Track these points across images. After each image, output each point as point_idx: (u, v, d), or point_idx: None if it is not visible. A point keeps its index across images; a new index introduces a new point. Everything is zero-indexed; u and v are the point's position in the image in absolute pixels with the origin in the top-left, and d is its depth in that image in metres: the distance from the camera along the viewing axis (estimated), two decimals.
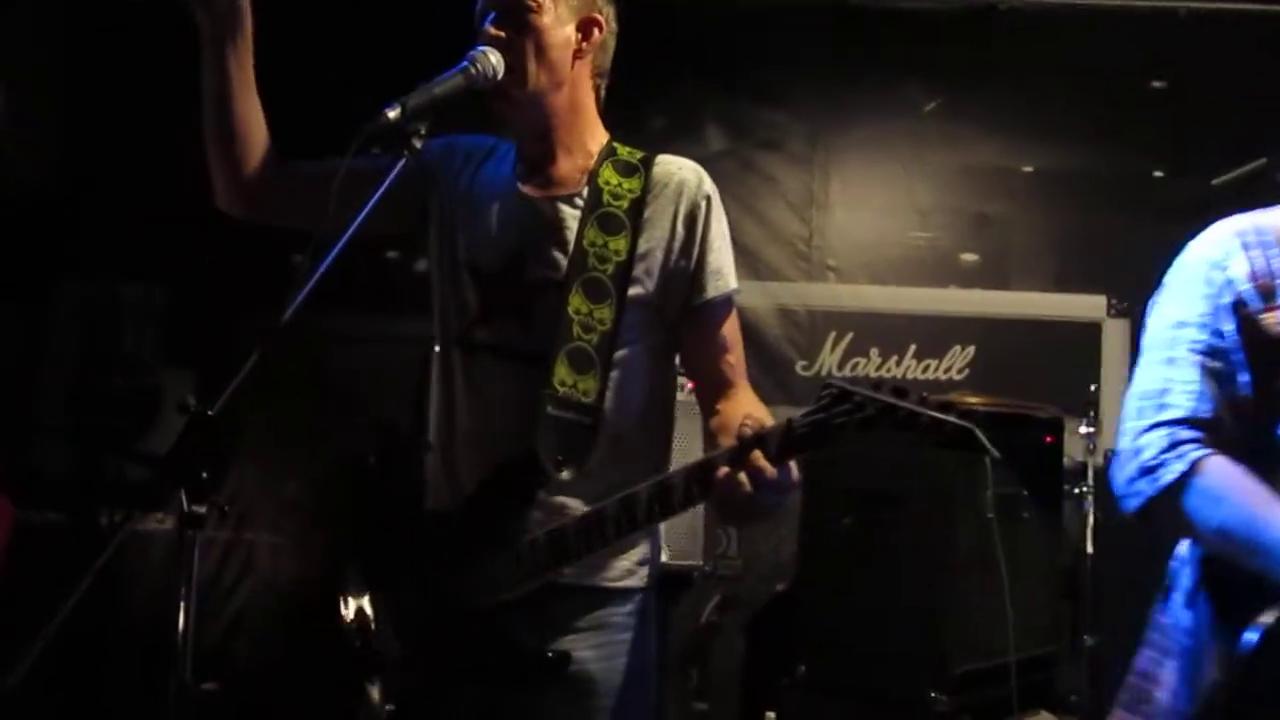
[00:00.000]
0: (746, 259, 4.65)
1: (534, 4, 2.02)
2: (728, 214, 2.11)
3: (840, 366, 4.69)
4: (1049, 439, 3.89)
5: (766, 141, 4.71)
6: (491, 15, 2.03)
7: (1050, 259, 4.79)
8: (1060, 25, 4.71)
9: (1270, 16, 4.73)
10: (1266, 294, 1.95)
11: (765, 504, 1.76)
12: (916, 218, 4.79)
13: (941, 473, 3.40)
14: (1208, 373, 1.96)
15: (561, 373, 1.99)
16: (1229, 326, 1.96)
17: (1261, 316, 1.94)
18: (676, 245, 2.06)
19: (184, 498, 1.58)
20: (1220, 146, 4.62)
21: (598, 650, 2.00)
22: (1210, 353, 1.97)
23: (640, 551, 2.08)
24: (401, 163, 1.86)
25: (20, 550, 3.10)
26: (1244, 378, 1.96)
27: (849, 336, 4.72)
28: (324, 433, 4.15)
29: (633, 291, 2.04)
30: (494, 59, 1.98)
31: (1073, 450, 4.04)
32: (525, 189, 2.11)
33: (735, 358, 2.12)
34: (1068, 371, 4.47)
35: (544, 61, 2.04)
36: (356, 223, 1.81)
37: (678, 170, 2.10)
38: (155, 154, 4.51)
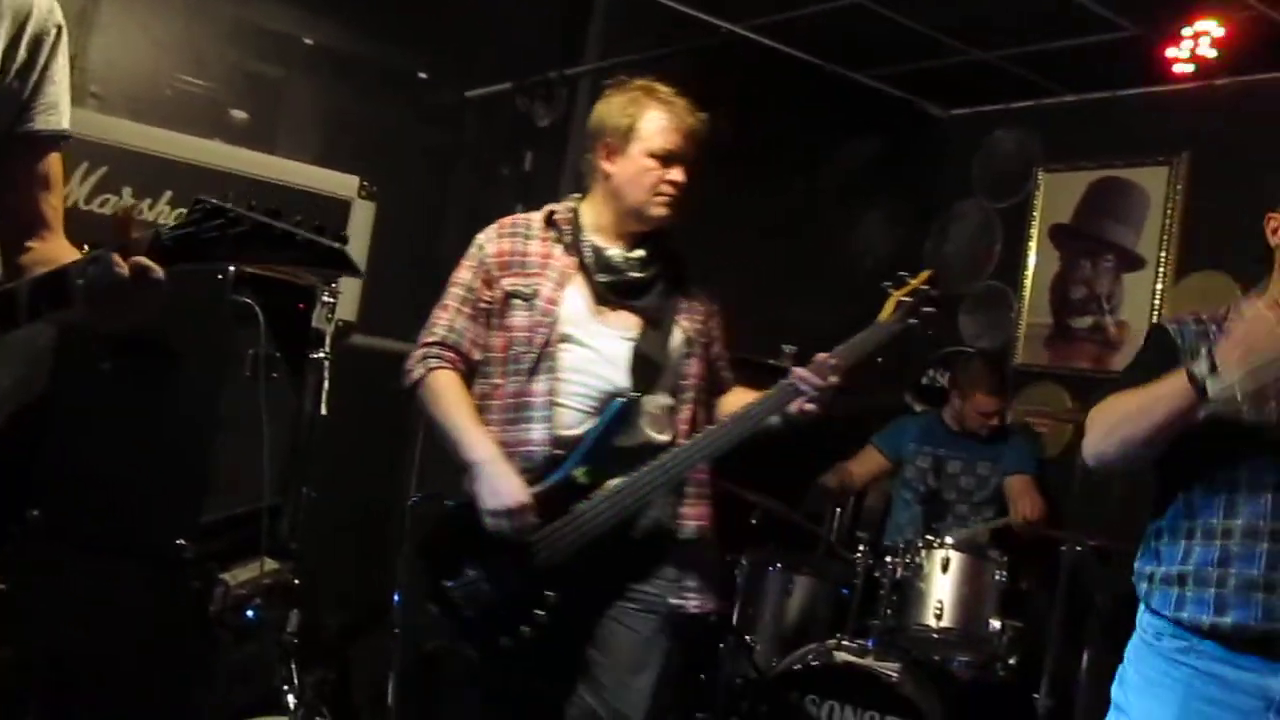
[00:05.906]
0: None
1: None
2: None
3: (89, 200, 4.42)
4: (302, 306, 4.11)
5: None
6: None
7: (316, 133, 4.95)
8: None
9: None
10: (504, 266, 3.11)
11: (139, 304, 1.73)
12: (193, 63, 4.65)
13: (214, 328, 3.45)
14: (463, 314, 3.13)
15: None
16: (478, 284, 3.14)
17: (502, 280, 3.09)
18: (14, 66, 1.92)
19: None
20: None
21: None
22: (464, 301, 3.14)
23: None
24: None
25: None
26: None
27: (102, 170, 4.43)
28: None
29: None
30: None
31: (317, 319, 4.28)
32: None
33: (58, 201, 2.07)
34: None
35: None
36: None
37: None
38: None
